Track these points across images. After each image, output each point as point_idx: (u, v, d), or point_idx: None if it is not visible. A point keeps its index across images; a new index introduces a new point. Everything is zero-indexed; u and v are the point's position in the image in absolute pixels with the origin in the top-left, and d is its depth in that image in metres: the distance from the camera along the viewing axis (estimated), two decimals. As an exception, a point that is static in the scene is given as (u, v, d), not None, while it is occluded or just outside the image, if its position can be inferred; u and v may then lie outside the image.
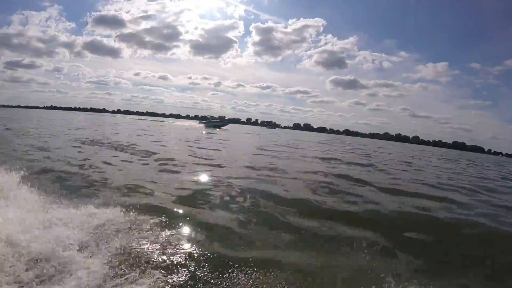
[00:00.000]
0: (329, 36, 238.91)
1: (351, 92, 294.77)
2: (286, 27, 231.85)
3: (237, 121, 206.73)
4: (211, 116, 60.57)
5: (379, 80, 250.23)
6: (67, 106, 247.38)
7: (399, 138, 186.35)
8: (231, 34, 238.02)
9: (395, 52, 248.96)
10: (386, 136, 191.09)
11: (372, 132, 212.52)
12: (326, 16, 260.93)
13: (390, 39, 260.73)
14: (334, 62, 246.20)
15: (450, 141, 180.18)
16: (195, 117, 68.72)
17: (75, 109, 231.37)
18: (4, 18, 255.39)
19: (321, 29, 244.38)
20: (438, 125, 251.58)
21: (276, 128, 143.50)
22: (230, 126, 58.63)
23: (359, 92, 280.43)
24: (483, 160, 45.66)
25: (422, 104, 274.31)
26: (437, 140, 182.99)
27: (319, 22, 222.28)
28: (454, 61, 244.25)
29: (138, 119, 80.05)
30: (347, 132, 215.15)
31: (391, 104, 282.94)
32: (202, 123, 58.88)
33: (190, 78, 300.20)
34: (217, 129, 47.75)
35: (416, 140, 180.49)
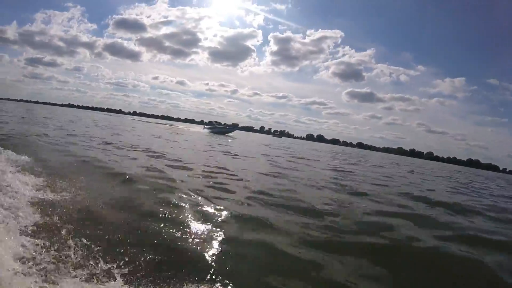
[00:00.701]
0: (347, 47, 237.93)
1: (367, 105, 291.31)
2: (304, 38, 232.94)
3: (250, 129, 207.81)
4: (216, 122, 58.77)
5: (395, 94, 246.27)
6: (85, 105, 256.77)
7: (412, 153, 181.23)
8: (249, 43, 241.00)
9: (413, 66, 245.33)
10: (400, 151, 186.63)
11: (386, 147, 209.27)
12: (344, 27, 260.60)
13: (407, 52, 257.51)
14: (351, 74, 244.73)
15: (465, 158, 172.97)
16: (209, 123, 63.66)
17: (92, 108, 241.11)
18: (27, 16, 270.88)
19: (339, 41, 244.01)
20: (454, 141, 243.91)
21: (283, 137, 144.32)
22: (236, 133, 56.63)
23: (375, 105, 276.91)
24: (491, 178, 41.19)
25: (439, 119, 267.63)
26: (451, 157, 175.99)
27: (337, 33, 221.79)
28: (471, 76, 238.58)
29: (147, 121, 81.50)
30: (360, 145, 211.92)
31: (407, 118, 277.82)
32: (207, 128, 56.36)
33: (207, 84, 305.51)
34: (222, 136, 45.92)
35: (429, 156, 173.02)
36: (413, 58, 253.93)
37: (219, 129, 51.99)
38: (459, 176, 33.13)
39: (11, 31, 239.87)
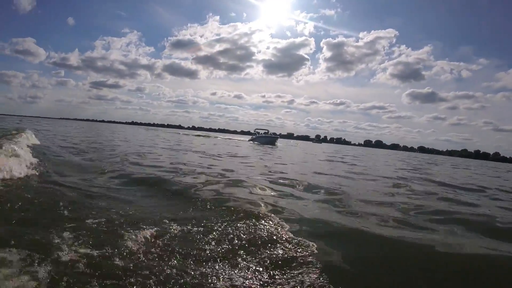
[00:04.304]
0: (403, 46, 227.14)
1: (430, 106, 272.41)
2: (357, 41, 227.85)
3: (305, 138, 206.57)
4: (265, 131, 48.39)
5: (458, 92, 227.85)
6: (148, 122, 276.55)
7: (478, 155, 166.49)
8: (302, 52, 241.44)
9: (474, 60, 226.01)
10: (464, 153, 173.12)
11: (449, 149, 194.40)
12: (398, 26, 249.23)
13: (467, 45, 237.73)
14: (409, 74, 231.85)
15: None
16: (255, 133, 54.24)
17: (153, 125, 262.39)
18: (88, 43, 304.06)
19: (394, 40, 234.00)
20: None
21: (322, 143, 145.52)
22: (280, 141, 50.11)
23: (438, 105, 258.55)
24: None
25: (506, 116, 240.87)
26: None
27: (391, 33, 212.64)
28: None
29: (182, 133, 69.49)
30: (421, 149, 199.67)
31: (472, 117, 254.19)
32: (251, 140, 47.31)
33: (263, 96, 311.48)
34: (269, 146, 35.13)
35: (495, 157, 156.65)
36: (473, 51, 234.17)
37: (266, 139, 42.21)
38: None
39: (74, 58, 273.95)
